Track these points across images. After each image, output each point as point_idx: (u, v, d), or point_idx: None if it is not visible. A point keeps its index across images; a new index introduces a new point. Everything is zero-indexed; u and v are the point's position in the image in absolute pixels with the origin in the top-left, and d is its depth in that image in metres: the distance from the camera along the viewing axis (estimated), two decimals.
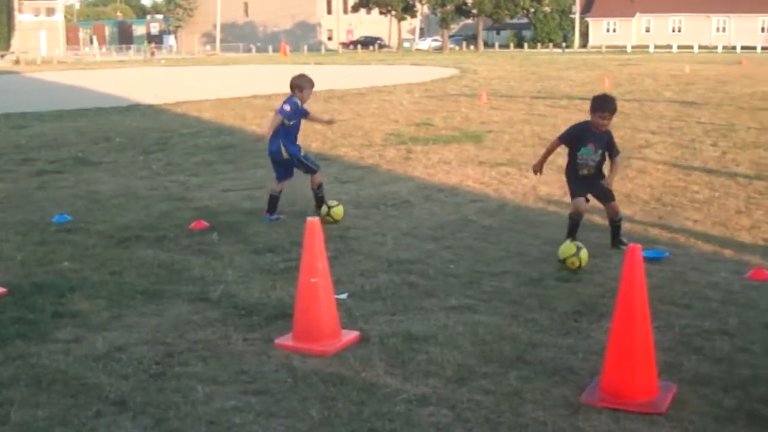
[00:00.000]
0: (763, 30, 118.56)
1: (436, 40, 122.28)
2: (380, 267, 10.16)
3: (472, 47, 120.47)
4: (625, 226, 11.44)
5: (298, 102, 12.69)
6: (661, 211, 12.90)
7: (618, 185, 14.92)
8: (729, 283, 9.57)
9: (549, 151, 11.28)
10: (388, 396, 6.56)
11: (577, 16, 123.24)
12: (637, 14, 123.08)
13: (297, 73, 13.24)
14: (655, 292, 8.48)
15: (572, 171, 10.92)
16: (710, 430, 6.09)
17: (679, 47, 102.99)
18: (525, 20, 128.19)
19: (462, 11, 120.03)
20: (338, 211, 12.58)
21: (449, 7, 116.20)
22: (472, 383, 6.81)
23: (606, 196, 10.95)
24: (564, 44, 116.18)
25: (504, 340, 7.73)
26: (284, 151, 12.68)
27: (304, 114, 12.92)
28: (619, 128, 22.43)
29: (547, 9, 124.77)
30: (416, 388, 6.71)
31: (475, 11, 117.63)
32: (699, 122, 23.85)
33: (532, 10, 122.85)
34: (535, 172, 11.40)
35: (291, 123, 12.68)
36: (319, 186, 13.00)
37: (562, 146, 11.02)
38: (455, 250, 10.91)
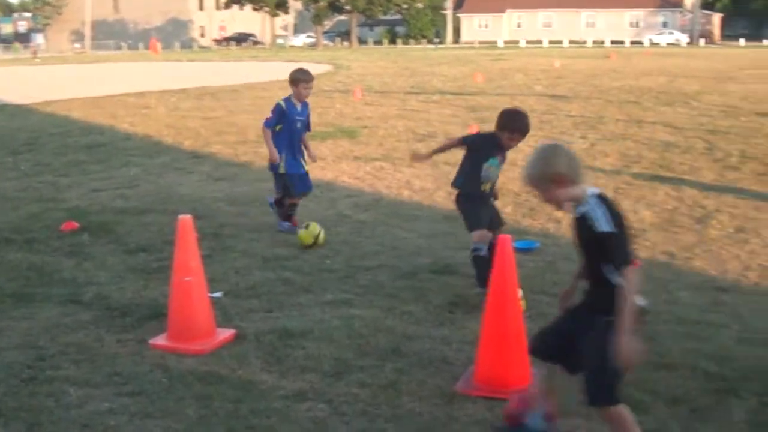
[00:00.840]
0: (631, 25, 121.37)
1: (310, 37, 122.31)
2: (255, 264, 10.13)
3: (345, 44, 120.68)
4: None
5: (291, 101, 11.60)
6: (531, 203, 13.10)
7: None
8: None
9: (444, 148, 9.82)
10: (265, 393, 6.56)
11: (449, 12, 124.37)
12: (508, 10, 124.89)
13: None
14: (526, 281, 8.65)
15: (473, 186, 9.13)
16: (582, 414, 6.23)
17: (549, 42, 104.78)
18: (398, 17, 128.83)
19: (335, 7, 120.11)
20: (304, 236, 10.98)
21: (322, 4, 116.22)
22: (348, 377, 6.86)
23: (499, 221, 9.47)
24: (437, 40, 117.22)
25: (380, 333, 7.79)
26: (282, 164, 11.64)
27: (298, 115, 11.64)
28: (491, 122, 22.77)
29: (420, 5, 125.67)
30: (293, 384, 6.72)
31: (348, 7, 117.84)
32: (569, 115, 24.30)
33: (405, 6, 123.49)
34: (418, 159, 10.78)
35: (278, 129, 11.49)
36: (291, 206, 11.92)
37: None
38: (331, 245, 10.93)
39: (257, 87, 38.17)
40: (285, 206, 11.81)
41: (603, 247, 5.11)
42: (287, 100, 11.55)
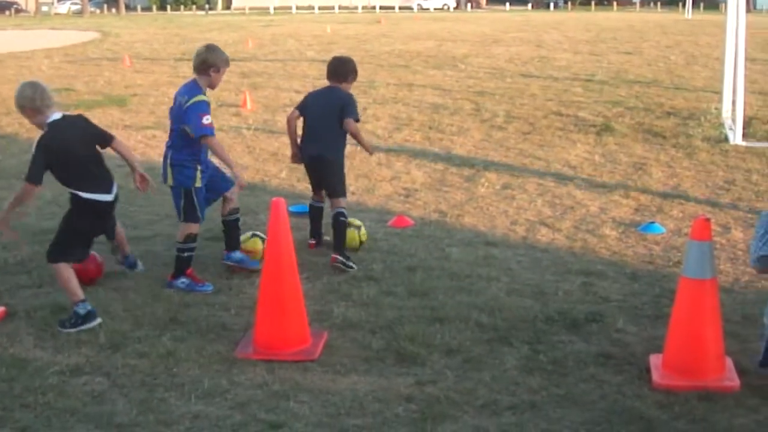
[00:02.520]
0: None
1: (76, 4, 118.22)
2: (23, 238, 9.77)
3: (113, 10, 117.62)
4: (273, 182, 11.64)
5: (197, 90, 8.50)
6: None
7: (265, 144, 15.19)
8: (373, 231, 9.96)
9: (293, 132, 9.40)
10: (40, 369, 6.40)
11: None
12: None
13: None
14: (303, 245, 8.73)
15: (343, 149, 9.37)
16: (360, 370, 6.38)
17: (320, 8, 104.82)
18: None
19: None
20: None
21: None
22: (126, 348, 6.77)
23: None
24: (207, 6, 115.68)
25: (156, 303, 7.71)
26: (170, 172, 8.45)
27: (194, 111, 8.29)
28: (264, 87, 22.76)
29: None
30: (68, 359, 6.58)
31: None
32: None
33: None
34: (298, 160, 9.57)
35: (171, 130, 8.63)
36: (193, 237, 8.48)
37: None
38: None
39: (21, 56, 36.77)
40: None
41: None
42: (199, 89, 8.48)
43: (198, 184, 8.35)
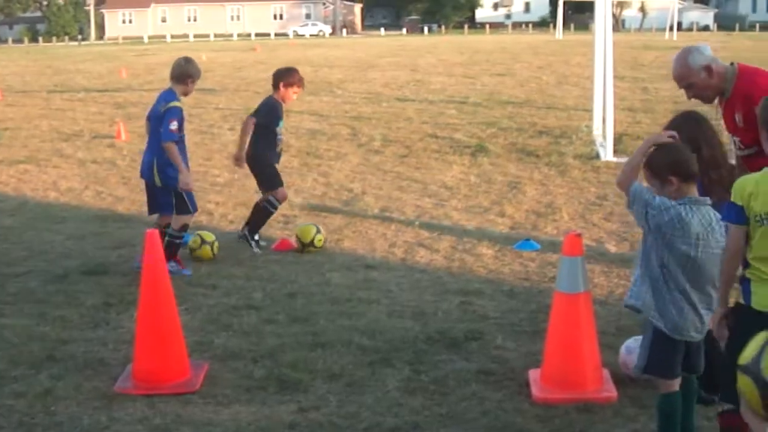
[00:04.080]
0: (275, 17, 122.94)
1: None
2: None
3: None
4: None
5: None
6: None
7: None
8: (253, 259, 9.92)
9: (243, 139, 10.58)
10: None
11: (91, 8, 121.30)
12: (153, 5, 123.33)
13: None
14: (182, 275, 8.65)
15: (270, 149, 10.57)
16: (242, 400, 6.33)
17: (195, 36, 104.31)
18: (39, 13, 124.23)
19: None
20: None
21: None
22: (2, 388, 6.58)
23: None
24: (80, 37, 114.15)
25: (33, 341, 7.51)
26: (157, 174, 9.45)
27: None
28: (139, 118, 22.41)
29: (61, 1, 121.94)
30: None
31: None
32: (217, 108, 24.37)
33: (45, 2, 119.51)
34: (240, 164, 10.72)
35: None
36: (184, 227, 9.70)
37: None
38: None
39: None
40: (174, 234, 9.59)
41: None
42: (174, 96, 9.55)
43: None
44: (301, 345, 7.35)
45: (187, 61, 9.75)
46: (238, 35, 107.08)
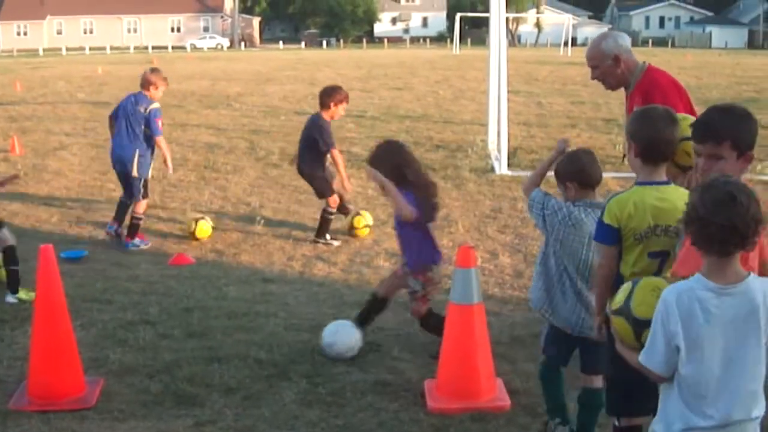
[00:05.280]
0: (172, 30, 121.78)
1: None
2: None
3: None
4: (45, 228, 11.37)
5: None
6: (79, 211, 12.93)
7: (35, 189, 14.78)
8: (149, 273, 9.89)
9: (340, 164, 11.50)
10: None
11: None
12: (48, 16, 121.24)
13: None
14: (77, 290, 8.55)
15: (322, 164, 11.36)
16: (139, 415, 6.29)
17: (91, 49, 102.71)
18: None
19: None
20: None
21: None
22: None
23: None
24: None
25: None
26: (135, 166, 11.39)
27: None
28: (33, 131, 22.13)
29: None
30: None
31: None
32: None
33: None
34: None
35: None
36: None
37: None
38: None
39: None
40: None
41: None
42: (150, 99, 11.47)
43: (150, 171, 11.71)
44: (198, 359, 7.33)
45: (153, 71, 11.76)
46: (135, 48, 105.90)
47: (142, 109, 11.28)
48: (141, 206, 11.50)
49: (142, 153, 11.31)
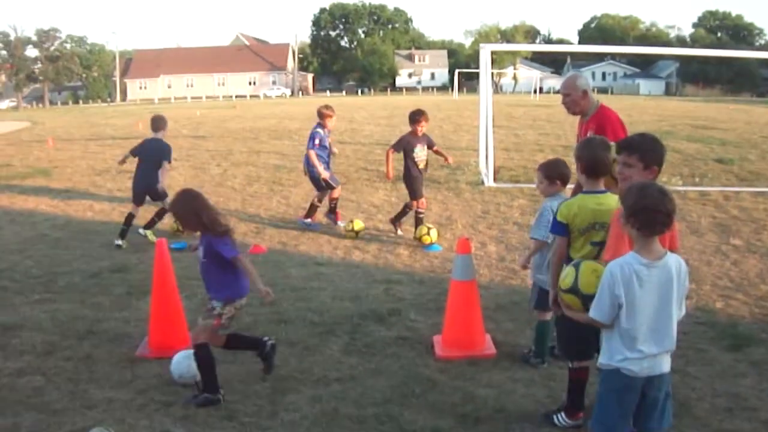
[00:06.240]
0: (250, 83, 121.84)
1: (13, 101, 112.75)
2: None
3: (41, 105, 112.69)
4: (159, 227, 11.39)
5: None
6: None
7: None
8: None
9: (389, 163, 11.23)
10: None
11: (117, 79, 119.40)
12: (161, 75, 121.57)
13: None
14: (182, 271, 8.57)
15: (410, 169, 10.81)
16: (228, 361, 6.31)
17: (192, 98, 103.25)
18: (80, 83, 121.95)
19: (31, 78, 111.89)
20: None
21: (21, 76, 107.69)
22: (56, 354, 6.54)
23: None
24: (109, 99, 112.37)
25: (77, 320, 7.45)
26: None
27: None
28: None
29: (95, 74, 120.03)
30: (14, 364, 6.32)
31: (41, 77, 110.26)
32: (207, 150, 24.08)
33: (84, 75, 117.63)
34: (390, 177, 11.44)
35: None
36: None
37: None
38: (34, 257, 10.26)
39: None
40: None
41: None
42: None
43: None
44: (270, 321, 7.36)
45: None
46: (223, 96, 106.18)
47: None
48: (336, 192, 11.93)
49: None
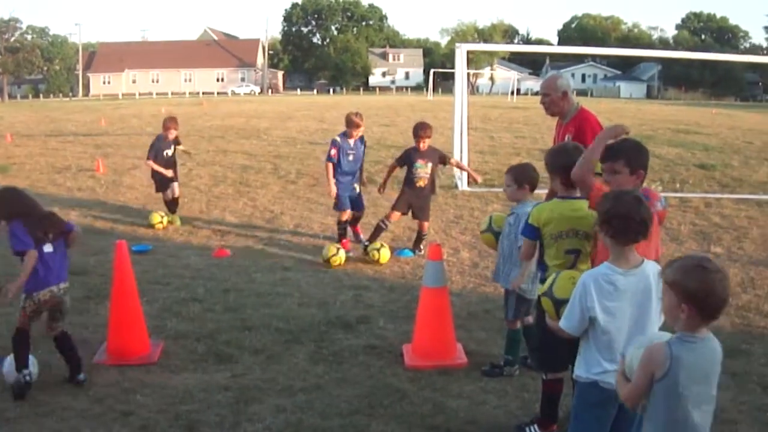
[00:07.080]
0: (218, 80, 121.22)
1: None
2: None
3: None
4: (120, 228, 11.28)
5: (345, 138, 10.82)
6: (146, 216, 12.87)
7: (114, 198, 14.66)
8: (197, 263, 9.85)
9: (388, 175, 10.60)
10: None
11: (80, 72, 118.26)
12: (126, 70, 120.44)
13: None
14: (143, 275, 8.52)
15: (407, 183, 10.24)
16: (189, 369, 6.32)
17: (157, 94, 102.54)
18: (41, 76, 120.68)
19: None
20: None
21: None
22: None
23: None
24: (71, 94, 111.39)
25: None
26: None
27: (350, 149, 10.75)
28: (113, 156, 22.03)
29: (57, 67, 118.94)
30: None
31: (0, 70, 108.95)
32: None
33: (45, 68, 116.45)
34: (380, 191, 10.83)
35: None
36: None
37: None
38: None
39: None
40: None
41: None
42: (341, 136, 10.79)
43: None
44: (233, 328, 7.32)
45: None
46: (190, 93, 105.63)
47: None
48: (344, 215, 10.74)
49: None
